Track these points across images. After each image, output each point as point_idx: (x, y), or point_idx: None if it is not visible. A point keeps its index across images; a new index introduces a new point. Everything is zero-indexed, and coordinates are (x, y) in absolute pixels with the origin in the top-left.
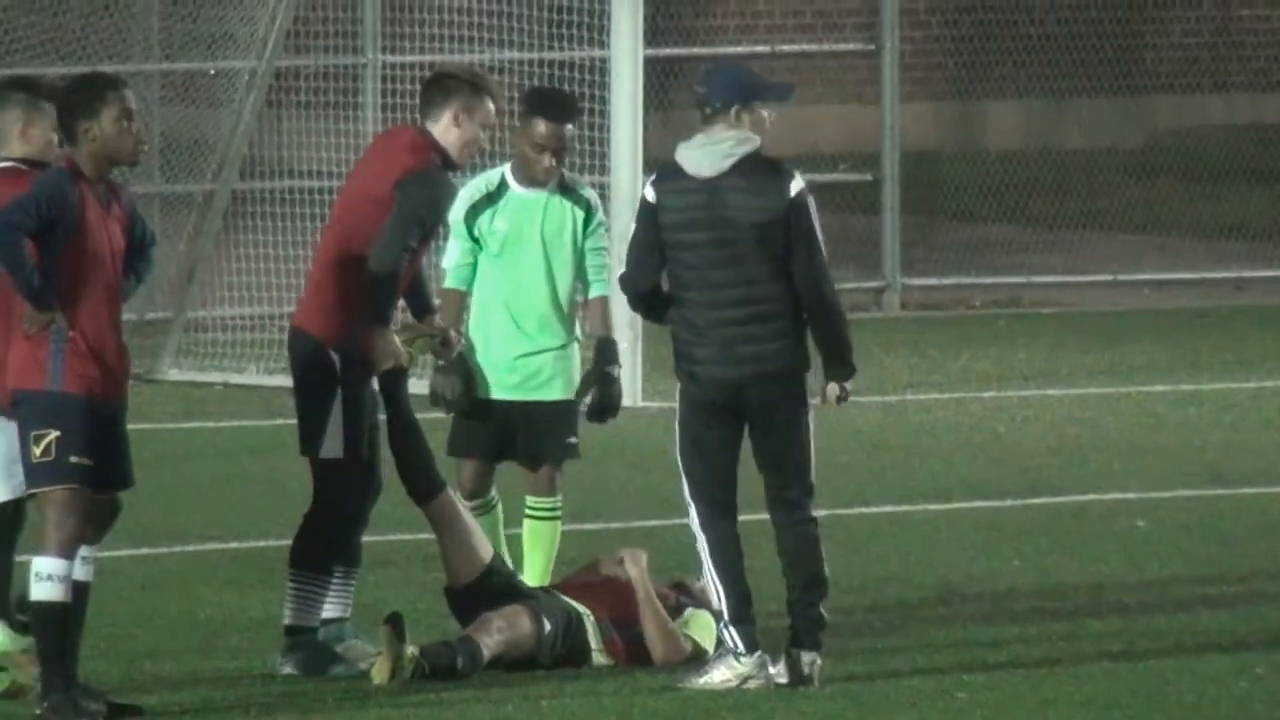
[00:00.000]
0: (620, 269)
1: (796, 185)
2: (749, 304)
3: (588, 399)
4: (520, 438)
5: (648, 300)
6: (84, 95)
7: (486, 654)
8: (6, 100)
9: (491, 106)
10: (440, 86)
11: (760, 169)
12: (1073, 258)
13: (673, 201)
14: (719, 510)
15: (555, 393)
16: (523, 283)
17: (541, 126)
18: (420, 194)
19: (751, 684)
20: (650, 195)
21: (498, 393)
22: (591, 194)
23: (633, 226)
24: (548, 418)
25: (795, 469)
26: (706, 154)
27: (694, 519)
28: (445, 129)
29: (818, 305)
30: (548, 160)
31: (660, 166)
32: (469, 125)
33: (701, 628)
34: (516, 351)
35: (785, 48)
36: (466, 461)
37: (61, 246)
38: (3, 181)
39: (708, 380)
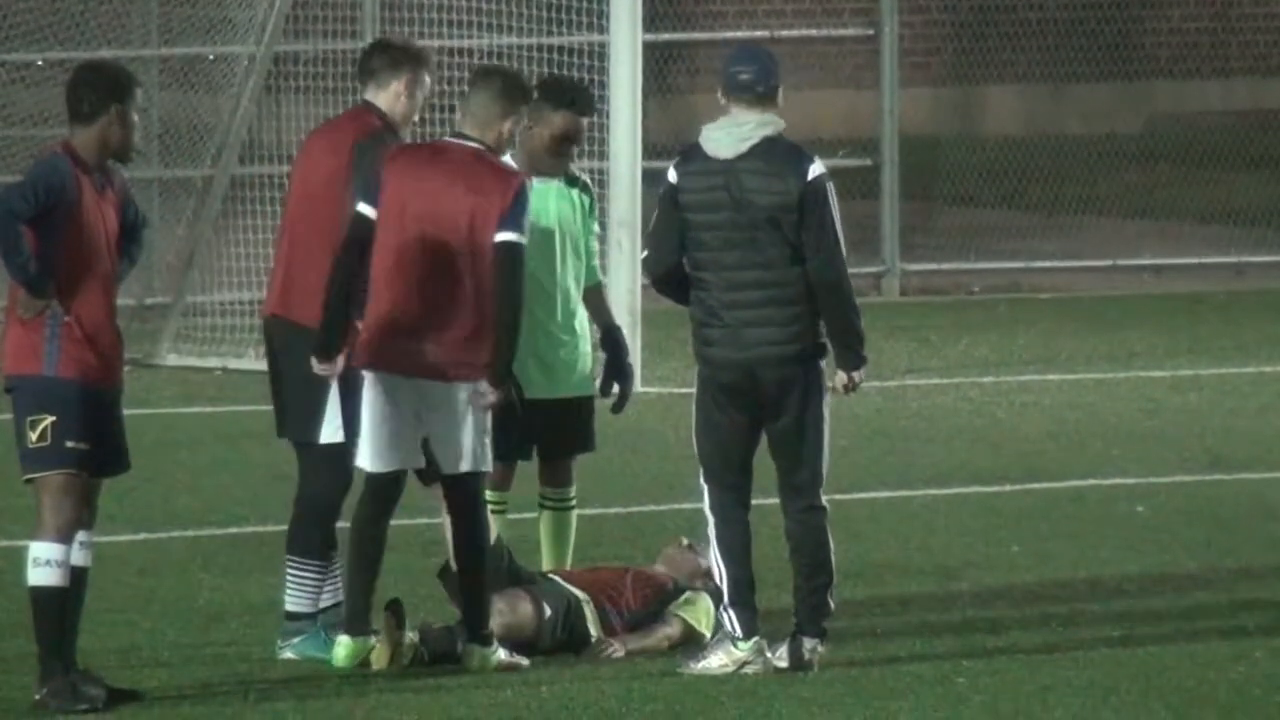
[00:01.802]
0: (618, 254)
1: (815, 169)
2: (764, 287)
3: (613, 391)
4: (547, 433)
5: (668, 281)
6: (121, 79)
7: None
8: (512, 96)
9: (429, 81)
10: (389, 57)
11: (779, 151)
12: (1071, 243)
13: (692, 183)
14: (730, 495)
15: (582, 388)
16: (546, 277)
17: (565, 119)
18: (376, 158)
19: (749, 669)
20: (672, 177)
21: (528, 392)
22: (590, 182)
23: (656, 210)
24: (575, 412)
25: (805, 455)
26: (728, 135)
27: (705, 501)
28: (394, 98)
29: (829, 292)
30: (567, 152)
31: (684, 148)
32: (418, 96)
33: (698, 611)
34: (545, 350)
35: (784, 33)
36: (498, 462)
37: (58, 233)
38: (491, 166)
39: (721, 362)
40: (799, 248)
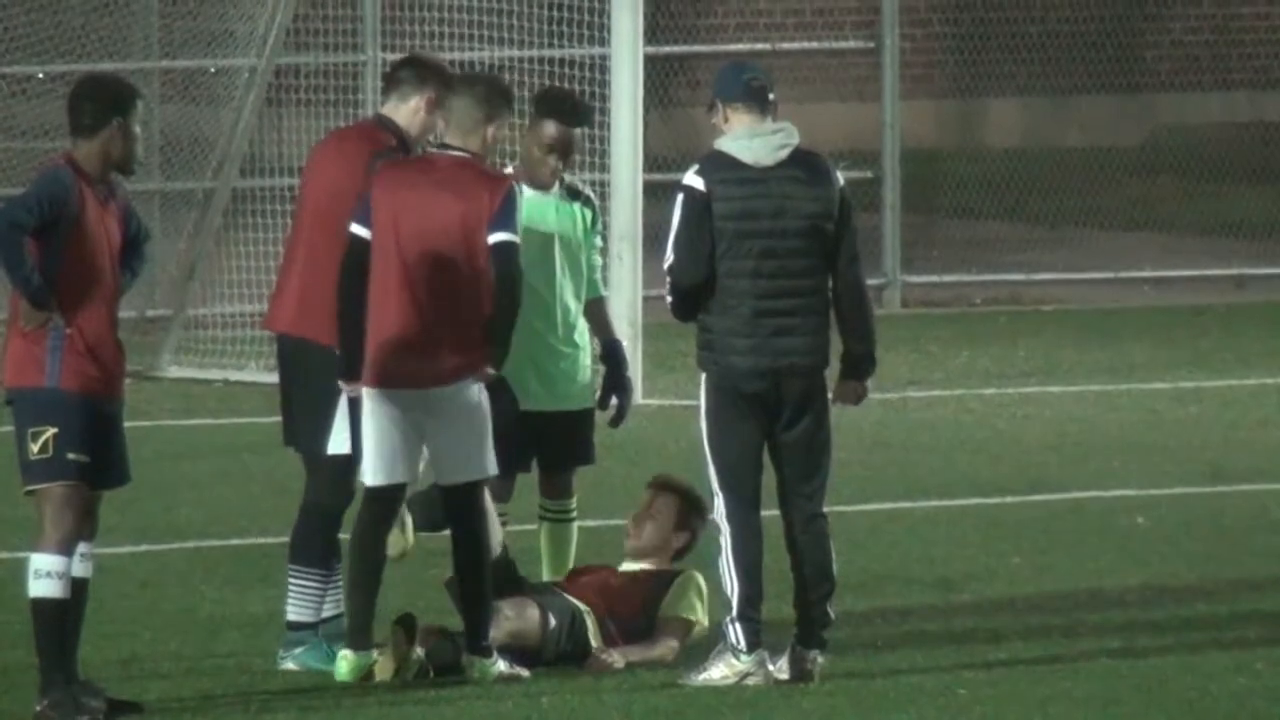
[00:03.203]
0: (619, 267)
1: (841, 178)
2: (798, 296)
3: (612, 404)
4: (546, 445)
5: (699, 293)
6: (123, 92)
7: (494, 646)
8: (494, 102)
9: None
10: (415, 71)
11: (809, 160)
12: (1073, 255)
13: (729, 191)
14: (748, 503)
15: (582, 401)
16: (545, 289)
17: (551, 128)
18: None
19: (750, 681)
20: (700, 185)
21: (527, 404)
22: (593, 195)
23: (675, 219)
24: (574, 425)
25: (819, 464)
26: (764, 144)
27: (720, 510)
28: (413, 113)
29: (859, 298)
30: (553, 162)
31: (706, 158)
32: (437, 116)
33: (691, 597)
34: (544, 362)
35: (785, 45)
36: (501, 474)
37: (61, 245)
38: (478, 172)
39: (748, 371)
40: (827, 257)
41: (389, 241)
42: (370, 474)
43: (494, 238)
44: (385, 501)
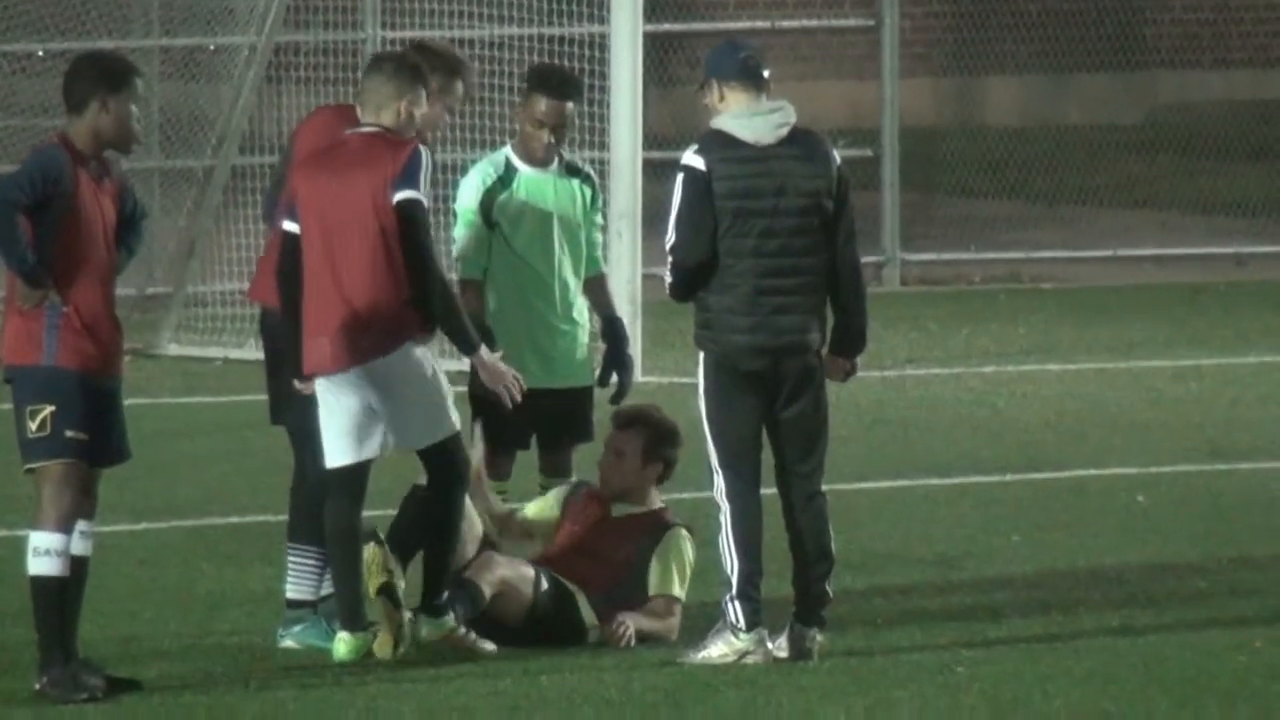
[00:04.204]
0: (619, 245)
1: (837, 155)
2: (799, 274)
3: (613, 382)
4: (545, 423)
5: (701, 272)
6: (111, 70)
7: (487, 591)
8: (402, 77)
9: (461, 90)
10: (425, 59)
11: (808, 138)
12: (1072, 233)
13: (730, 170)
14: (748, 481)
15: (581, 378)
16: (544, 266)
17: (542, 103)
18: None
19: (749, 659)
20: (700, 164)
21: (526, 382)
22: (592, 172)
23: (676, 199)
24: (574, 403)
25: (817, 442)
26: (764, 123)
27: (720, 488)
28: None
29: (854, 277)
30: (546, 137)
31: (705, 137)
32: (440, 103)
33: (674, 574)
34: (543, 340)
35: (785, 23)
36: (500, 451)
37: (55, 223)
38: (384, 142)
39: (748, 350)
40: (822, 236)
41: (312, 232)
42: (332, 456)
43: (396, 197)
44: (352, 482)
